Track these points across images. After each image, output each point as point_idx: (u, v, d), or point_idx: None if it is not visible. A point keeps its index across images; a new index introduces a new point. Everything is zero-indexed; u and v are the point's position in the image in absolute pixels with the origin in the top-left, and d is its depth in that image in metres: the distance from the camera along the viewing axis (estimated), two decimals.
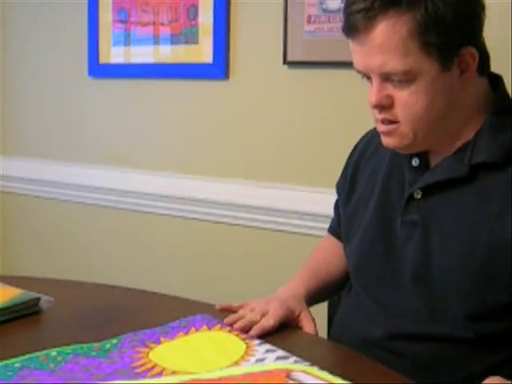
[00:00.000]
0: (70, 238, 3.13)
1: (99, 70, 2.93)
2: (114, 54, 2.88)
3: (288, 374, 1.11)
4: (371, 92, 1.31)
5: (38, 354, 1.22)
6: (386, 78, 1.28)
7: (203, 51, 2.59)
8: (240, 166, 2.57)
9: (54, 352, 1.22)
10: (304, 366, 1.15)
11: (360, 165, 1.55)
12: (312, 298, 1.54)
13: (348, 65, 2.21)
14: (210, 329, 1.33)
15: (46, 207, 3.18)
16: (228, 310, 1.45)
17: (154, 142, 2.81)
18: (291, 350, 1.22)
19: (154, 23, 2.73)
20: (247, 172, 2.55)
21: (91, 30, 2.91)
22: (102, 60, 2.90)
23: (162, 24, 2.71)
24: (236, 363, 1.17)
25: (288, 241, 2.44)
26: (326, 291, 1.62)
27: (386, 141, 1.36)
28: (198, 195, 2.66)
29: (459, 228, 1.30)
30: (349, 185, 1.55)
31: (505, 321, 1.27)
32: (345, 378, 1.10)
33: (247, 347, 1.24)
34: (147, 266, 2.89)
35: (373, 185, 1.47)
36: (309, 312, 1.47)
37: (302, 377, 1.10)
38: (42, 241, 3.23)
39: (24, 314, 1.44)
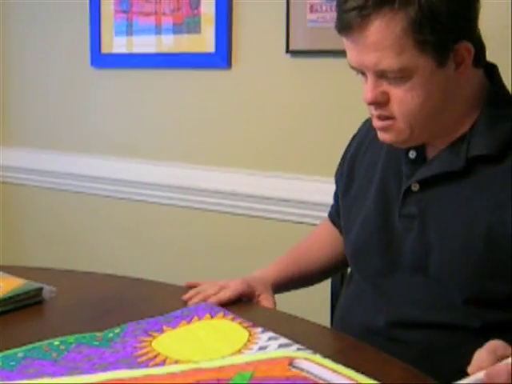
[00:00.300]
0: (71, 228, 3.13)
1: (101, 60, 2.92)
2: (116, 44, 2.87)
3: (291, 361, 1.11)
4: (366, 89, 1.31)
5: (40, 343, 1.22)
6: (380, 75, 1.28)
7: (205, 40, 2.59)
8: (242, 156, 2.57)
9: (56, 341, 1.22)
10: (307, 353, 1.15)
11: (358, 156, 1.54)
12: (283, 285, 1.59)
13: None
14: (212, 317, 1.33)
15: (48, 197, 3.18)
16: (194, 286, 1.51)
17: (156, 131, 2.81)
18: (294, 339, 1.22)
19: (155, 13, 2.72)
20: (250, 161, 2.55)
21: (93, 19, 2.90)
22: (104, 50, 2.90)
23: (164, 14, 2.70)
24: (239, 351, 1.17)
25: (292, 230, 2.44)
26: (304, 280, 1.65)
27: (383, 136, 1.36)
28: (200, 185, 2.66)
29: (457, 220, 1.30)
30: (347, 176, 1.55)
31: (508, 310, 1.26)
32: (348, 367, 1.10)
33: (250, 335, 1.24)
34: (149, 255, 2.89)
35: (371, 176, 1.47)
36: (271, 295, 1.52)
37: (304, 364, 1.10)
38: (43, 231, 3.23)
39: (26, 304, 1.44)
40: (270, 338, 1.22)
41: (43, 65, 3.12)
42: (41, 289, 1.47)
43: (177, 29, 2.68)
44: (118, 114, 2.92)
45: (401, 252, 1.36)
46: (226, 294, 1.44)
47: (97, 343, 1.22)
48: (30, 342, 1.22)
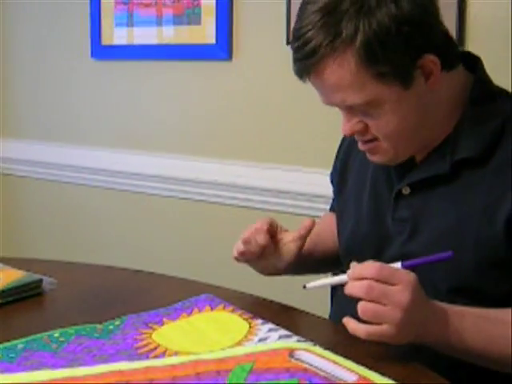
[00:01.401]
0: (71, 220, 3.14)
1: (102, 51, 2.92)
2: (116, 35, 2.86)
3: (291, 353, 1.11)
4: (343, 122, 1.31)
5: (40, 335, 1.22)
6: (351, 108, 1.27)
7: (206, 32, 2.58)
8: (243, 147, 2.57)
9: (56, 333, 1.22)
10: (307, 345, 1.15)
11: (350, 156, 1.54)
12: (305, 252, 1.53)
13: None
14: (212, 309, 1.33)
15: (48, 189, 3.18)
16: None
17: (156, 123, 2.81)
18: (294, 330, 1.22)
19: (156, 4, 2.72)
20: (250, 153, 2.55)
21: (93, 11, 2.89)
22: (105, 42, 2.89)
23: (165, 5, 2.69)
24: (239, 343, 1.17)
25: (292, 222, 2.43)
26: (321, 255, 1.63)
27: (371, 158, 1.36)
28: (200, 177, 2.66)
29: (447, 223, 1.29)
30: (339, 177, 1.55)
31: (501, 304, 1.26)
32: (348, 359, 1.10)
33: (250, 327, 1.24)
34: (150, 247, 2.89)
35: (363, 177, 1.47)
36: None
37: (305, 356, 1.10)
38: (44, 223, 3.23)
39: (26, 295, 1.44)
40: (270, 330, 1.22)
41: (43, 56, 3.12)
42: (41, 280, 1.47)
43: (177, 20, 2.68)
44: (118, 105, 2.92)
45: (393, 255, 1.35)
46: (264, 225, 1.45)
47: (97, 335, 1.22)
48: (30, 334, 1.21)
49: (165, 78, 2.76)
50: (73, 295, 1.46)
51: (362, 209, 1.45)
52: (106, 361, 1.12)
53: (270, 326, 1.23)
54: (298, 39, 1.24)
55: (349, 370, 1.06)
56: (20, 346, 1.17)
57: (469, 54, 1.39)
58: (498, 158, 1.27)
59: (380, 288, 1.12)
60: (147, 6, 2.75)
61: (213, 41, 2.57)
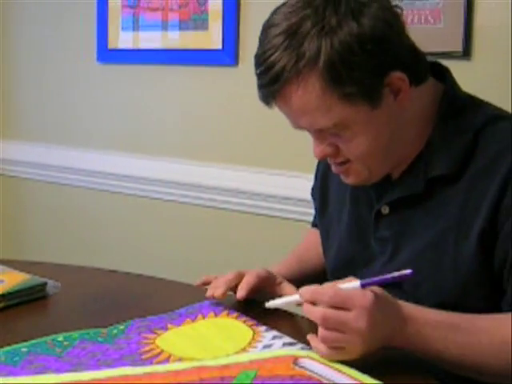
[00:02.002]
0: (72, 223, 3.13)
1: (107, 55, 2.92)
2: (122, 39, 2.87)
3: (295, 360, 1.11)
4: (313, 146, 1.30)
5: (44, 339, 1.22)
6: (320, 131, 1.26)
7: (212, 37, 2.58)
8: (248, 153, 2.57)
9: (60, 337, 1.22)
10: (311, 352, 1.14)
11: (328, 176, 1.52)
12: (294, 280, 1.51)
13: None
14: (216, 315, 1.33)
15: (51, 192, 3.18)
16: (208, 283, 1.45)
17: (161, 128, 2.81)
18: (298, 338, 1.22)
19: (162, 9, 2.72)
20: (255, 159, 2.55)
21: (100, 14, 2.90)
22: (111, 45, 2.89)
23: (171, 9, 2.69)
24: (243, 350, 1.17)
25: (295, 229, 2.44)
26: (311, 276, 1.60)
27: (345, 180, 1.35)
28: (205, 182, 2.65)
29: (425, 241, 1.28)
30: (320, 196, 1.54)
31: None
32: (352, 366, 1.10)
33: (254, 334, 1.24)
34: (153, 251, 2.89)
35: (343, 198, 1.45)
36: (290, 284, 1.46)
37: (309, 363, 1.10)
38: (46, 226, 3.23)
39: (31, 298, 1.44)
40: (274, 337, 1.22)
41: (49, 59, 3.12)
42: (45, 284, 1.48)
43: (183, 25, 2.68)
44: (122, 109, 2.92)
45: (376, 275, 1.34)
46: (252, 277, 1.38)
47: (101, 339, 1.22)
48: (34, 337, 1.22)
49: (170, 82, 2.76)
50: (77, 299, 1.46)
51: (345, 230, 1.43)
52: (110, 365, 1.12)
53: (274, 333, 1.23)
54: (261, 65, 1.22)
55: (352, 378, 1.06)
56: (24, 350, 1.17)
57: (437, 64, 1.37)
58: (471, 173, 1.25)
59: (335, 316, 1.11)
60: (153, 10, 2.75)
61: (219, 46, 2.57)
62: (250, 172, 2.54)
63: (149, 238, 2.90)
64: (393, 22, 1.23)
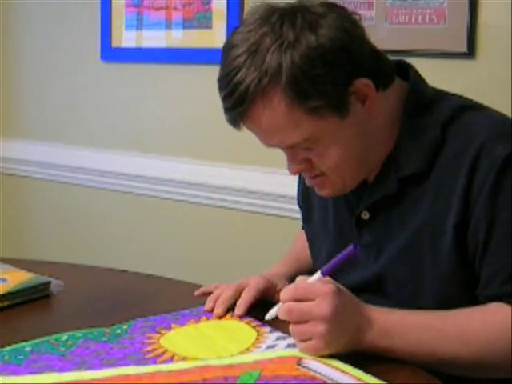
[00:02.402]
0: (78, 222, 3.13)
1: (111, 54, 2.91)
2: (126, 38, 2.86)
3: (299, 361, 1.11)
4: (287, 162, 1.29)
5: (48, 338, 1.22)
6: (291, 147, 1.25)
7: (216, 36, 2.58)
8: (252, 152, 2.56)
9: (64, 336, 1.22)
10: None
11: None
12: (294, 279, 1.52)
13: None
14: (220, 318, 1.33)
15: (55, 191, 3.18)
16: (207, 294, 1.43)
17: (165, 127, 2.80)
18: None
19: (166, 7, 2.72)
20: (260, 158, 2.54)
21: (104, 13, 2.89)
22: (114, 44, 2.89)
23: (175, 8, 2.69)
24: (247, 350, 1.17)
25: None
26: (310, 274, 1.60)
27: (320, 192, 1.34)
28: (208, 181, 2.65)
29: (404, 241, 1.28)
30: (305, 204, 1.52)
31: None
32: (355, 367, 1.09)
33: (258, 334, 1.24)
34: (158, 250, 2.88)
35: (325, 206, 1.44)
36: None
37: (312, 364, 1.10)
38: (49, 225, 3.23)
39: (34, 297, 1.44)
40: (278, 338, 1.22)
41: (52, 57, 3.12)
42: (49, 283, 1.48)
43: (187, 24, 2.67)
44: (126, 108, 2.92)
45: (364, 281, 1.34)
46: (251, 293, 1.36)
47: (105, 339, 1.22)
48: (38, 337, 1.22)
49: (173, 81, 2.76)
50: (80, 298, 1.46)
51: (331, 238, 1.42)
52: (113, 365, 1.12)
53: (278, 334, 1.23)
54: (224, 88, 1.22)
55: (356, 378, 1.06)
56: (28, 349, 1.17)
57: (402, 63, 1.36)
58: (439, 168, 1.25)
59: (298, 308, 1.14)
60: (157, 9, 2.75)
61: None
62: (261, 172, 2.53)
63: (154, 237, 2.90)
64: (352, 30, 1.22)
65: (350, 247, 1.17)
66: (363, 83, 1.22)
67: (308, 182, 1.33)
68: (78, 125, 3.07)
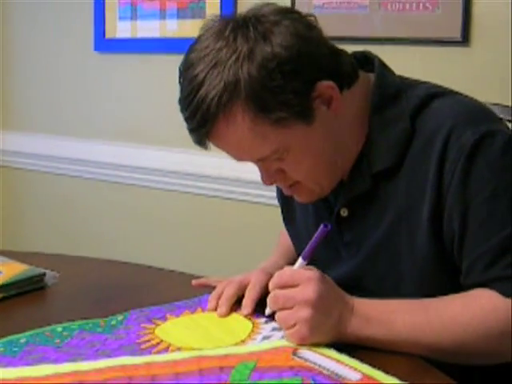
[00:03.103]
0: (74, 214, 3.13)
1: (105, 44, 2.91)
2: (120, 28, 2.86)
3: (294, 351, 1.11)
4: (260, 174, 1.28)
5: (43, 329, 1.21)
6: (262, 159, 1.23)
7: None
8: None
9: (59, 328, 1.22)
10: None
11: None
12: None
13: (357, 40, 2.21)
14: (216, 309, 1.32)
15: (54, 183, 3.17)
16: (205, 286, 1.42)
17: (160, 117, 2.80)
18: None
19: None
20: None
21: (97, 4, 2.89)
22: (108, 35, 2.89)
23: None
24: (242, 341, 1.17)
25: None
26: None
27: (299, 199, 1.33)
28: (207, 171, 2.65)
29: (380, 236, 1.27)
30: (285, 204, 1.51)
31: None
32: (352, 357, 1.09)
33: (253, 325, 1.23)
34: (155, 241, 2.88)
35: (305, 205, 1.42)
36: None
37: (308, 354, 1.10)
38: (49, 216, 3.23)
39: (29, 289, 1.44)
40: (273, 329, 1.21)
41: (46, 49, 3.11)
42: (43, 274, 1.47)
43: (181, 14, 2.67)
44: (121, 98, 2.91)
45: (348, 277, 1.33)
46: (256, 290, 1.31)
47: (100, 330, 1.22)
48: (33, 328, 1.21)
49: (168, 71, 2.74)
50: (75, 289, 1.46)
51: (313, 237, 1.42)
52: (108, 355, 1.12)
53: (274, 324, 1.22)
54: (186, 109, 1.20)
55: (353, 368, 1.06)
56: (23, 340, 1.17)
57: (367, 54, 1.34)
58: (410, 159, 1.24)
59: (283, 294, 1.15)
60: None
61: None
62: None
63: (149, 228, 2.90)
64: (307, 34, 1.19)
65: (321, 227, 1.19)
66: (326, 86, 1.20)
67: (285, 191, 1.32)
68: (72, 116, 3.06)
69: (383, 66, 1.32)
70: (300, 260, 1.21)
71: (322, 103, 1.21)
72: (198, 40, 1.22)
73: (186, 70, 1.21)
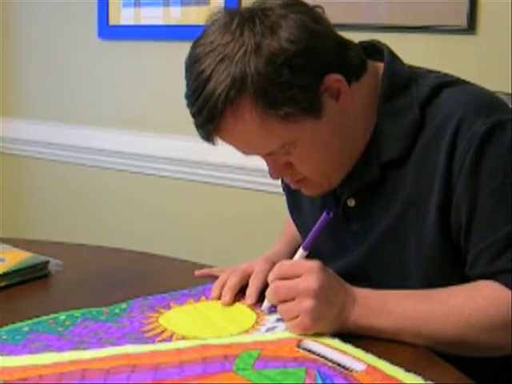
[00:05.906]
0: (77, 202, 3.13)
1: (109, 31, 2.90)
2: (123, 15, 2.85)
3: (299, 342, 1.11)
4: (268, 168, 1.27)
5: (46, 317, 1.21)
6: (270, 154, 1.23)
7: None
8: None
9: (62, 316, 1.22)
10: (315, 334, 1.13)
11: None
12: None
13: (360, 27, 2.20)
14: (219, 298, 1.32)
15: (58, 170, 3.17)
16: (208, 276, 1.41)
17: (164, 104, 2.79)
18: None
19: None
20: None
21: None
22: (112, 22, 2.88)
23: None
24: (246, 331, 1.17)
25: None
26: None
27: (306, 193, 1.32)
28: (210, 159, 2.64)
29: (387, 225, 1.27)
30: (290, 192, 1.49)
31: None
32: (357, 347, 1.09)
33: (258, 316, 1.23)
34: (158, 229, 2.88)
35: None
36: None
37: (312, 346, 1.10)
38: (53, 204, 3.23)
39: (32, 277, 1.43)
40: (277, 320, 1.20)
41: (50, 36, 3.10)
42: (47, 262, 1.47)
43: (185, 1, 2.66)
44: (124, 86, 2.91)
45: (353, 266, 1.33)
46: (260, 280, 1.29)
47: (103, 318, 1.21)
48: (36, 316, 1.21)
49: (172, 58, 2.74)
50: (79, 277, 1.46)
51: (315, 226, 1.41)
52: (112, 344, 1.11)
53: (278, 316, 1.22)
54: (193, 105, 1.19)
55: (357, 358, 1.05)
56: (25, 329, 1.17)
57: (375, 43, 1.33)
58: (419, 148, 1.23)
59: (284, 285, 1.14)
60: None
61: None
62: None
63: (152, 216, 2.90)
64: (315, 27, 1.17)
65: (324, 215, 1.19)
66: (334, 79, 1.18)
67: (293, 185, 1.31)
68: (75, 103, 3.06)
69: (392, 55, 1.31)
70: (300, 250, 1.21)
71: (331, 97, 1.20)
72: (203, 34, 1.20)
73: (192, 65, 1.19)
